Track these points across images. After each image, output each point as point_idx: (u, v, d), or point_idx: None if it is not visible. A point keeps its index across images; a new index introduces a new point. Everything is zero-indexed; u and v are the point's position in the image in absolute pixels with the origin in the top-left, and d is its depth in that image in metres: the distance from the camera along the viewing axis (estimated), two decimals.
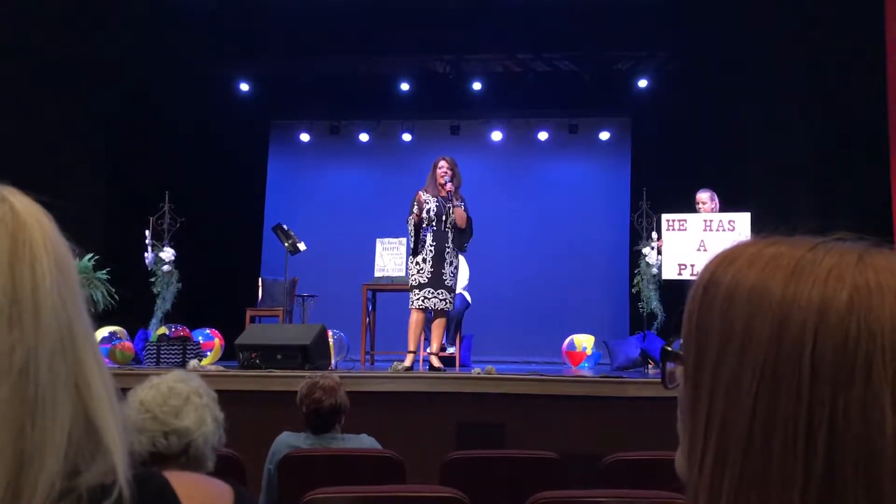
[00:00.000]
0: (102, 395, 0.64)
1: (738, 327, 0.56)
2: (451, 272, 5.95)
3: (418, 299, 5.88)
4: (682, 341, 0.62)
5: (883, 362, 0.52)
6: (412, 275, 5.96)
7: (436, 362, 5.95)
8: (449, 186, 5.97)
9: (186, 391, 1.90)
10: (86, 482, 0.62)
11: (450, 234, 5.93)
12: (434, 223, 5.93)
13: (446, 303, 5.91)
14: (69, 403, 0.62)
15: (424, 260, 5.90)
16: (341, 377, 3.49)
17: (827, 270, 0.55)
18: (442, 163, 6.08)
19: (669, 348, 0.64)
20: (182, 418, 1.86)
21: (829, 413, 0.53)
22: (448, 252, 5.91)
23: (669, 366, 0.64)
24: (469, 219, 6.02)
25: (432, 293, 5.86)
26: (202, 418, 1.88)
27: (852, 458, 0.52)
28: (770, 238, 0.60)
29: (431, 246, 5.90)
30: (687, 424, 0.61)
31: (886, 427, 0.52)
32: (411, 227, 5.98)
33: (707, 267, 0.61)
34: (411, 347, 5.98)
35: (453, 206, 5.94)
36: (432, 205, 5.95)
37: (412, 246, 6.00)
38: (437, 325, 6.05)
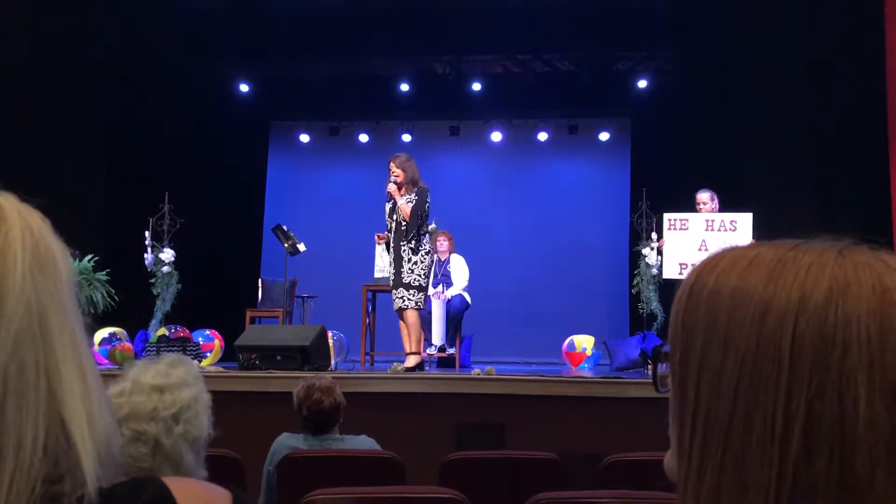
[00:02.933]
0: (75, 388, 0.63)
1: (721, 323, 0.59)
2: (410, 269, 5.88)
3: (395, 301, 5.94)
4: (669, 342, 0.64)
5: (859, 349, 0.55)
6: None
7: (411, 363, 5.82)
8: (389, 188, 5.99)
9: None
10: (71, 488, 0.61)
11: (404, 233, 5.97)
12: (391, 225, 5.99)
13: (404, 301, 5.86)
14: (39, 395, 0.61)
15: (390, 263, 5.97)
16: (341, 378, 3.50)
17: (807, 266, 0.58)
18: (390, 165, 6.09)
19: (662, 349, 0.65)
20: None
21: (806, 398, 0.55)
22: (403, 250, 5.90)
23: (662, 368, 0.67)
24: (414, 213, 5.88)
25: (394, 293, 5.91)
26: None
27: (827, 441, 0.54)
28: (756, 243, 0.64)
29: (391, 247, 5.98)
30: (675, 422, 0.63)
31: (860, 412, 0.54)
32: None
33: (693, 271, 0.64)
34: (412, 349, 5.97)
35: (397, 204, 5.94)
36: (388, 207, 6.04)
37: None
38: (404, 325, 5.98)
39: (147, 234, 6.90)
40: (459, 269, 7.25)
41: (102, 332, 6.22)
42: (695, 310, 0.61)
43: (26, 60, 7.13)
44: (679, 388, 0.62)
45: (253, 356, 5.42)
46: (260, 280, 8.13)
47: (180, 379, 1.73)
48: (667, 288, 6.53)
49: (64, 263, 0.67)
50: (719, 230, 6.14)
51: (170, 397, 1.69)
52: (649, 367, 6.10)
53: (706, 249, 6.02)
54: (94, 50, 7.75)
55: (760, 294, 0.58)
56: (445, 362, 7.00)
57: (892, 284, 0.56)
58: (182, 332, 6.44)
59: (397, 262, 5.90)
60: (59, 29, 7.27)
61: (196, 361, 1.76)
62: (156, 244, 6.92)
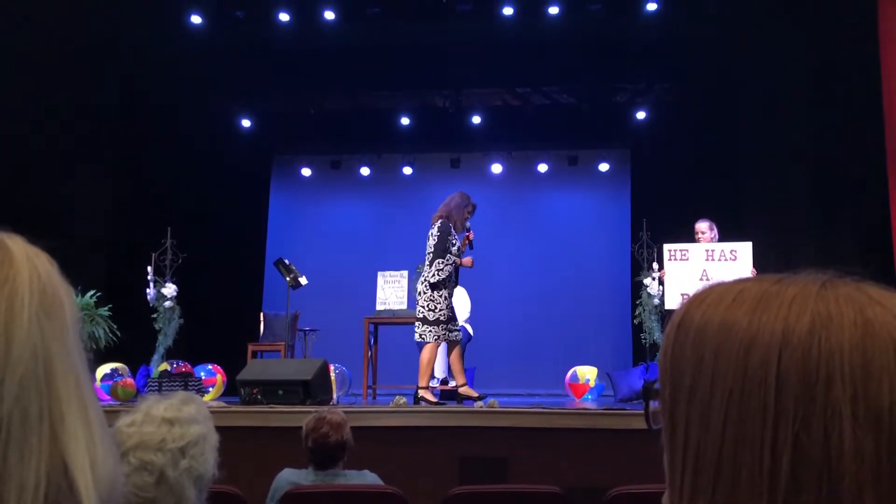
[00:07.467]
0: (79, 433, 0.63)
1: (708, 358, 0.60)
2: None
3: (445, 332, 5.87)
4: (659, 378, 0.65)
5: (842, 381, 0.56)
6: (439, 308, 5.86)
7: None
8: (471, 235, 6.13)
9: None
10: None
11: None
12: (455, 260, 6.02)
13: (457, 334, 6.04)
14: (42, 440, 0.61)
15: (451, 294, 5.98)
16: (343, 412, 3.48)
17: (790, 300, 0.59)
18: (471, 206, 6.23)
19: (652, 386, 0.66)
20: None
21: (793, 431, 0.56)
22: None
23: (653, 405, 0.67)
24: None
25: (455, 326, 5.99)
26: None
27: (815, 472, 0.55)
28: (739, 278, 0.65)
29: (453, 281, 6.04)
30: (667, 458, 0.64)
31: (845, 442, 0.55)
32: (447, 259, 5.91)
33: (680, 308, 0.65)
34: (425, 383, 5.95)
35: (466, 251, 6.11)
36: (458, 242, 6.08)
37: (442, 277, 5.88)
38: (457, 358, 6.05)
39: (149, 268, 6.91)
40: (461, 301, 7.25)
41: (104, 368, 6.20)
42: (683, 346, 0.62)
43: (31, 99, 7.20)
44: (669, 423, 0.63)
45: (255, 391, 5.40)
46: (262, 314, 8.12)
47: (190, 415, 1.75)
48: (669, 318, 6.50)
49: (70, 307, 0.67)
50: (720, 260, 6.14)
51: (179, 430, 1.71)
52: None
53: (707, 279, 6.02)
54: (97, 88, 7.82)
55: (745, 329, 0.59)
56: (448, 395, 6.96)
57: (873, 316, 0.57)
58: (184, 367, 6.42)
59: (452, 297, 6.02)
60: (61, 67, 7.35)
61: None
62: (158, 279, 6.93)
